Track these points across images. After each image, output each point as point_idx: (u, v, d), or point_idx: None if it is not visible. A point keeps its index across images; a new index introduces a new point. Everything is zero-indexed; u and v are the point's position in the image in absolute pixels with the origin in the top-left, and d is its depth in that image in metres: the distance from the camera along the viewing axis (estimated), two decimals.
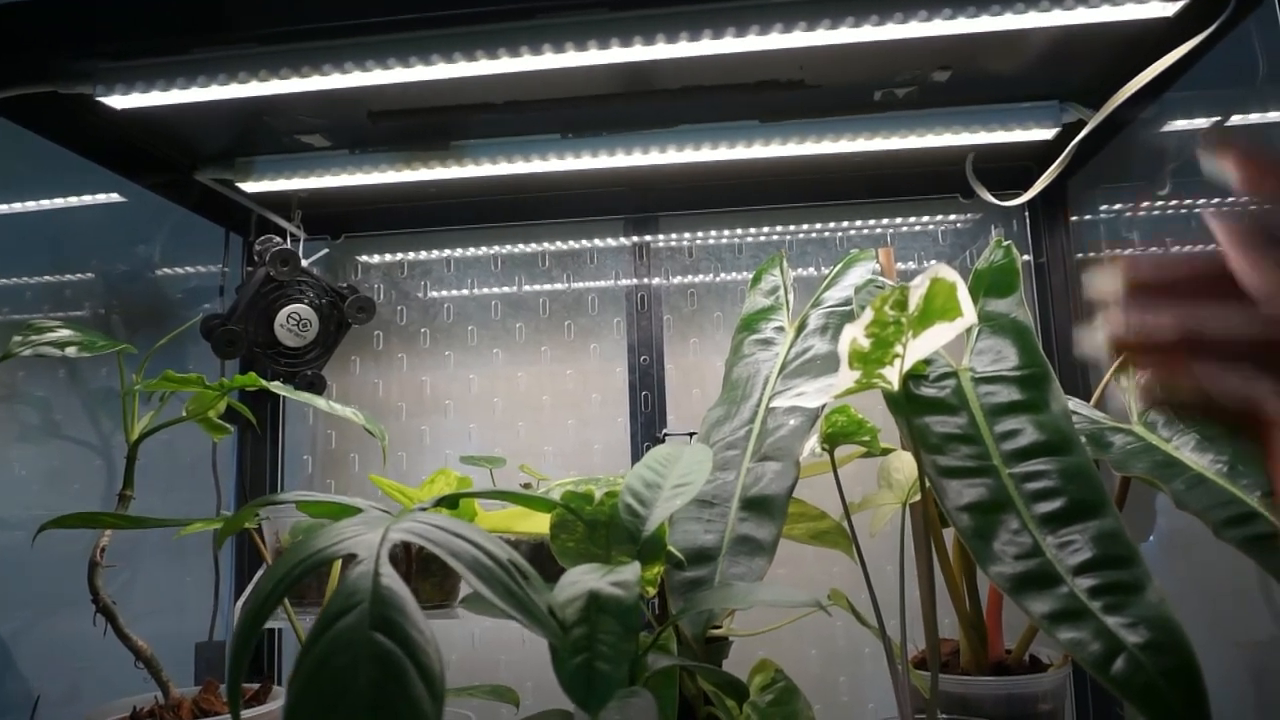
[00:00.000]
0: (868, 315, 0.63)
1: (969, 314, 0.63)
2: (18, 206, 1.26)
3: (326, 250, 1.41)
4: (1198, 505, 0.69)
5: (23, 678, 1.18)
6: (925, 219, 1.34)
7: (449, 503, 0.66)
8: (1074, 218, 1.27)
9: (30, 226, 1.29)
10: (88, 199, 1.28)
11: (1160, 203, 1.05)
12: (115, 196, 1.27)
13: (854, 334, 0.64)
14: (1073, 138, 1.02)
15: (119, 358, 0.87)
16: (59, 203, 1.27)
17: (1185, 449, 0.78)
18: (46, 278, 1.30)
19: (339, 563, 0.80)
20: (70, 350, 0.84)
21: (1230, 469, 0.73)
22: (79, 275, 1.32)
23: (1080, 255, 1.26)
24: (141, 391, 0.87)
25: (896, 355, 0.65)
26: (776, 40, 0.84)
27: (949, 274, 0.61)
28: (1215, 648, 1.05)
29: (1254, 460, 0.73)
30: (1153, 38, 0.86)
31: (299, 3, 0.81)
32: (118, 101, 0.93)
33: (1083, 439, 0.70)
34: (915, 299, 0.61)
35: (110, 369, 1.24)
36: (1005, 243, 0.85)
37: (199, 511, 1.20)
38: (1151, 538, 1.12)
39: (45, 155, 1.03)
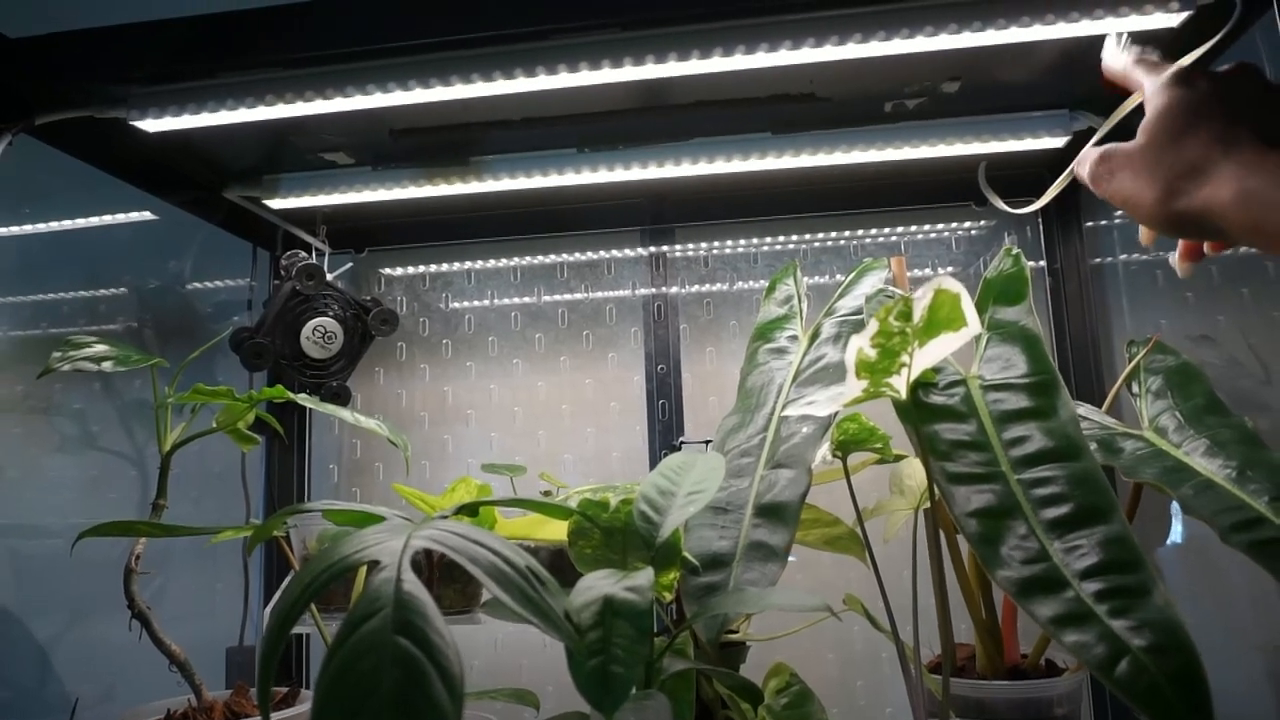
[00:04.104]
0: (873, 325, 0.64)
1: (973, 324, 0.64)
2: (55, 225, 1.30)
3: (351, 264, 1.44)
4: (1206, 510, 0.70)
5: (60, 681, 1.21)
6: (939, 227, 1.35)
7: (470, 510, 0.68)
8: (1087, 224, 1.27)
9: (66, 244, 1.33)
10: (120, 217, 1.32)
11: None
12: (147, 214, 1.31)
13: (860, 344, 0.65)
14: (1083, 145, 1.02)
15: (152, 371, 0.90)
16: (93, 221, 1.32)
17: (1195, 454, 0.78)
18: (82, 293, 1.34)
19: (364, 569, 0.83)
20: (106, 365, 0.86)
21: (1239, 474, 0.73)
22: (113, 290, 1.36)
23: (1094, 261, 1.27)
24: (174, 403, 0.90)
25: (903, 365, 0.67)
26: (786, 57, 0.85)
27: (952, 285, 0.63)
28: (1231, 651, 1.05)
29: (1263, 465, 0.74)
30: (1160, 46, 0.87)
31: (322, 28, 0.83)
32: (150, 125, 0.96)
33: (1093, 445, 0.71)
34: (920, 310, 0.63)
35: (143, 381, 1.28)
36: (1014, 251, 0.86)
37: (229, 520, 1.23)
38: (1168, 542, 1.12)
39: (80, 176, 1.06)
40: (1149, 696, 0.53)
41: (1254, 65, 0.53)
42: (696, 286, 1.39)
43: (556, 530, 0.89)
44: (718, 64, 0.86)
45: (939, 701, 0.74)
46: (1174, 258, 0.60)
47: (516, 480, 1.14)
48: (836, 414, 0.78)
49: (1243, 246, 0.51)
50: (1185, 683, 0.53)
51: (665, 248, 1.40)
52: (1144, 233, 0.61)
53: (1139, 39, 0.62)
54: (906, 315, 0.63)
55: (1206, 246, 0.59)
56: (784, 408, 0.84)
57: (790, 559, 0.73)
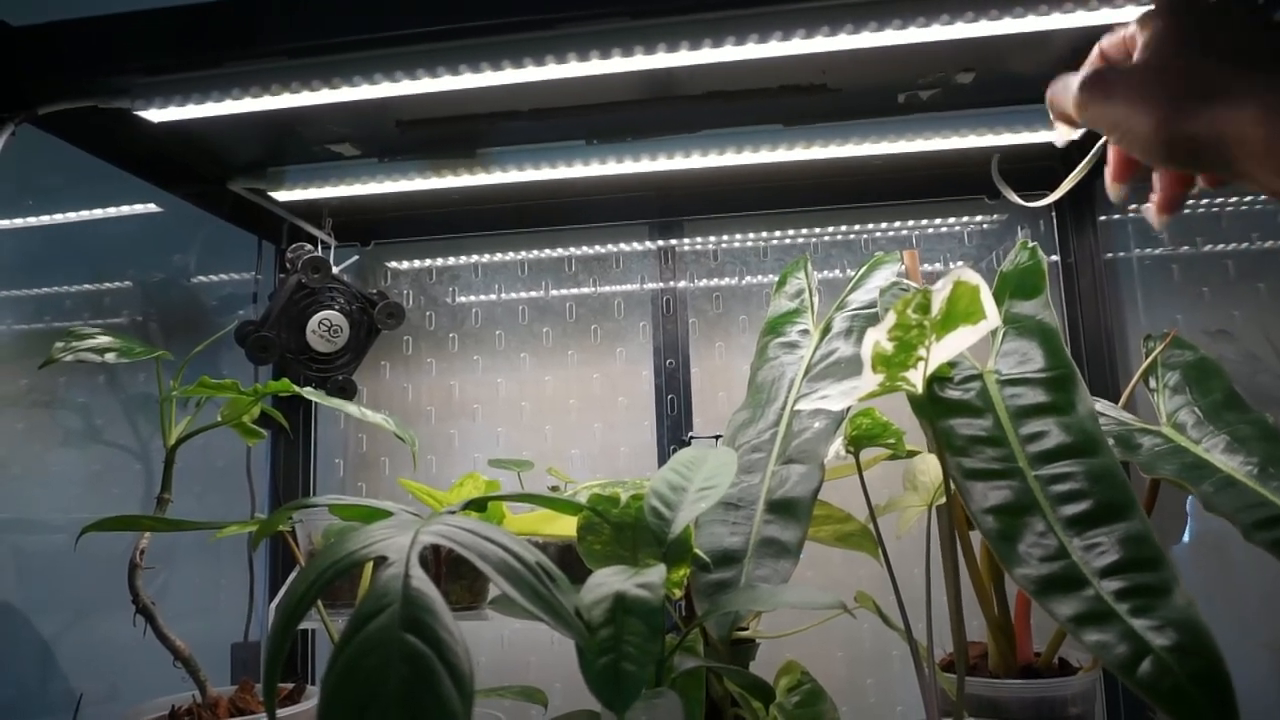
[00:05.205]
0: (890, 318, 0.63)
1: (992, 316, 0.63)
2: (59, 217, 1.30)
3: (357, 257, 1.43)
4: (1227, 508, 0.69)
5: (64, 677, 1.21)
6: (951, 220, 1.33)
7: (477, 506, 0.67)
8: (1101, 217, 1.26)
9: (70, 237, 1.33)
10: (125, 209, 1.31)
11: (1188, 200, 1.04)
12: (151, 207, 1.31)
13: (877, 337, 0.64)
14: (1099, 137, 1.01)
15: (157, 364, 0.90)
16: (98, 213, 1.31)
17: (1215, 450, 0.77)
18: (86, 286, 1.34)
19: (370, 565, 0.82)
20: (110, 356, 0.86)
21: (1260, 471, 0.72)
22: (117, 284, 1.35)
23: (1108, 255, 1.25)
24: (178, 397, 0.89)
25: (920, 358, 0.66)
26: (799, 46, 0.84)
27: (972, 277, 0.61)
28: (1248, 650, 1.04)
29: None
30: None
31: (327, 17, 0.82)
32: (154, 115, 0.95)
33: (1111, 441, 0.69)
34: (938, 302, 0.62)
35: (148, 375, 1.27)
36: (1030, 244, 0.85)
37: (233, 514, 1.22)
38: (1184, 540, 1.11)
39: (84, 168, 1.05)
40: (1172, 697, 0.51)
41: None
42: (705, 280, 1.37)
43: (565, 526, 0.89)
44: (730, 53, 0.84)
45: (953, 701, 0.73)
46: (1149, 208, 0.54)
47: (524, 476, 1.14)
48: (849, 409, 0.77)
49: (1243, 179, 0.43)
50: (1209, 683, 0.52)
51: (674, 241, 1.39)
52: (1111, 186, 0.55)
53: None
54: (925, 308, 0.61)
55: (1200, 180, 0.51)
56: (796, 402, 0.83)
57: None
